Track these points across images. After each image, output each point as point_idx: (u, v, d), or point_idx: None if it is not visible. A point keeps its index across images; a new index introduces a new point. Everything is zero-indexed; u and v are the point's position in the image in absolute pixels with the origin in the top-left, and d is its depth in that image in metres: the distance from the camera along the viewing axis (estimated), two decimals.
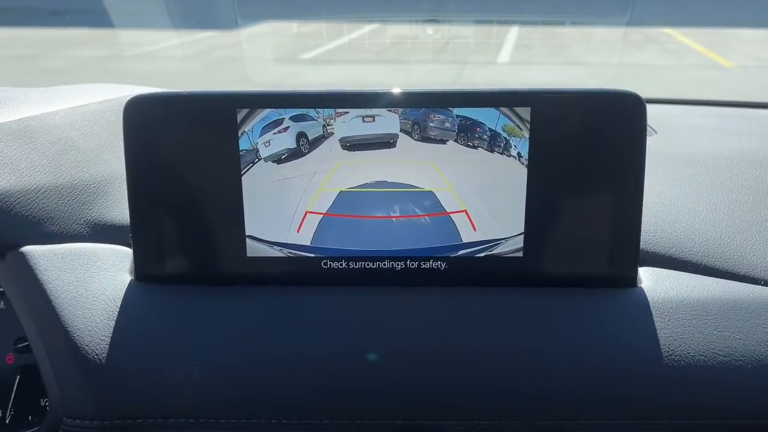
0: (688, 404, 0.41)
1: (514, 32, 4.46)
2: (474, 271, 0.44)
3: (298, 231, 0.44)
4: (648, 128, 0.58)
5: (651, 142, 0.43)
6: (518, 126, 0.42)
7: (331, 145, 0.43)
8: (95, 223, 0.48)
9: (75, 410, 0.42)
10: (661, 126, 0.67)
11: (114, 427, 0.42)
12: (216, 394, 0.42)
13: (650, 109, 0.43)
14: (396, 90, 0.43)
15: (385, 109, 0.43)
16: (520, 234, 0.44)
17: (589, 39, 4.44)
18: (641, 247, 0.44)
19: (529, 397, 0.42)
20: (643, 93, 0.42)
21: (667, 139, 0.64)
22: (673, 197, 0.52)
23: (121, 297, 0.44)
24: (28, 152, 0.49)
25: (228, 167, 0.43)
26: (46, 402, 0.48)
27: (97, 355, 0.42)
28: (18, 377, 0.48)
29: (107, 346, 0.42)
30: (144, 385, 0.42)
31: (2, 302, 0.49)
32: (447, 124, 0.43)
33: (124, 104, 0.43)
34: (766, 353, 0.41)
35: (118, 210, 0.49)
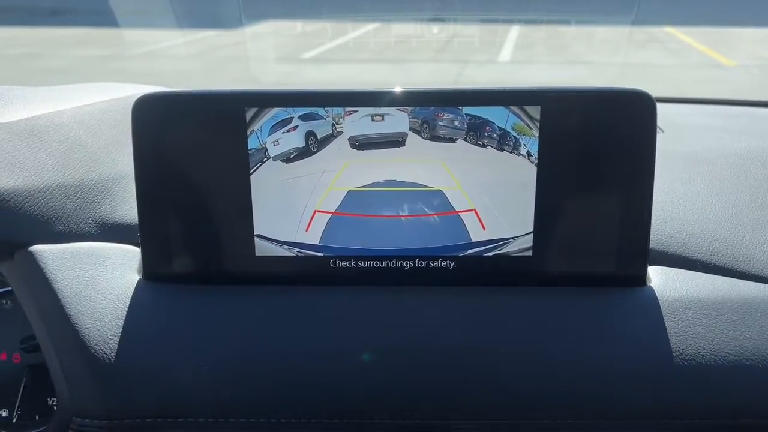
0: (698, 403, 0.41)
1: (515, 31, 4.46)
2: (483, 271, 0.44)
3: (306, 230, 0.44)
4: None
5: (658, 141, 0.43)
6: (528, 125, 0.42)
7: (340, 144, 0.43)
8: (103, 223, 0.48)
9: (84, 410, 0.42)
10: (667, 125, 0.67)
11: (123, 427, 0.42)
12: (225, 393, 0.42)
13: (657, 107, 0.43)
14: (405, 88, 0.42)
15: (394, 108, 0.42)
16: (529, 233, 0.44)
17: (592, 38, 4.43)
18: (650, 246, 0.44)
19: (537, 397, 0.42)
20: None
21: (674, 137, 0.64)
22: (681, 196, 0.52)
23: (130, 296, 0.44)
24: (36, 151, 0.49)
25: (237, 166, 0.43)
26: (53, 402, 0.48)
27: (106, 354, 0.42)
28: (25, 377, 0.48)
29: (116, 346, 0.42)
30: (153, 384, 0.42)
31: (10, 301, 0.49)
32: (456, 123, 0.43)
33: (131, 103, 0.43)
34: None
35: (126, 209, 0.49)
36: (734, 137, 0.63)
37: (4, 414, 0.48)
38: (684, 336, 0.42)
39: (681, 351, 0.41)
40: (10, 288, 0.47)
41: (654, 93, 0.43)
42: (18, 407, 0.48)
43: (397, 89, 0.42)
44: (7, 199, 0.45)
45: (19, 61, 4.00)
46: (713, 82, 3.42)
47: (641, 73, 3.42)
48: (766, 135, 0.64)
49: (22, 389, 0.48)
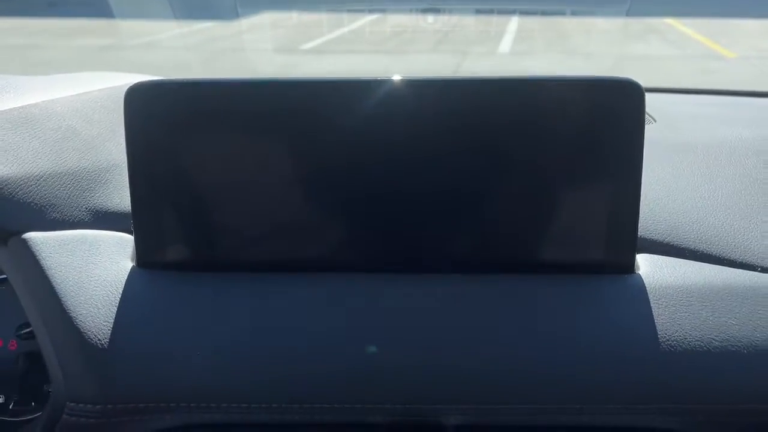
0: (684, 389, 0.42)
1: (514, 23, 4.45)
2: (471, 258, 0.45)
3: None
4: (647, 116, 0.58)
5: (650, 130, 0.43)
6: None
7: None
8: (97, 210, 0.49)
9: (78, 395, 0.43)
10: (660, 114, 0.67)
11: (116, 411, 0.43)
12: (218, 379, 0.43)
13: (649, 97, 0.43)
14: (398, 77, 0.42)
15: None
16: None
17: (590, 30, 4.42)
18: (639, 233, 0.45)
19: (526, 383, 0.42)
20: (644, 83, 0.42)
21: (666, 127, 0.64)
22: (671, 185, 0.52)
23: (123, 283, 0.44)
24: (30, 139, 0.49)
25: (229, 153, 0.43)
26: (49, 387, 0.48)
27: (99, 340, 0.42)
28: (21, 363, 0.49)
29: (109, 332, 0.42)
30: (146, 369, 0.42)
31: (5, 289, 0.50)
32: None
33: (125, 92, 0.43)
34: (762, 339, 0.41)
35: (120, 197, 0.50)
36: (726, 126, 0.63)
37: (0, 400, 0.49)
38: (671, 323, 0.42)
39: (667, 337, 0.42)
40: (4, 276, 0.48)
41: (652, 84, 0.43)
42: (14, 393, 0.48)
43: (389, 78, 0.42)
44: (0, 186, 0.45)
45: (17, 52, 3.98)
46: (713, 73, 3.40)
47: (641, 65, 3.41)
48: (758, 124, 0.64)
49: (19, 376, 0.48)
